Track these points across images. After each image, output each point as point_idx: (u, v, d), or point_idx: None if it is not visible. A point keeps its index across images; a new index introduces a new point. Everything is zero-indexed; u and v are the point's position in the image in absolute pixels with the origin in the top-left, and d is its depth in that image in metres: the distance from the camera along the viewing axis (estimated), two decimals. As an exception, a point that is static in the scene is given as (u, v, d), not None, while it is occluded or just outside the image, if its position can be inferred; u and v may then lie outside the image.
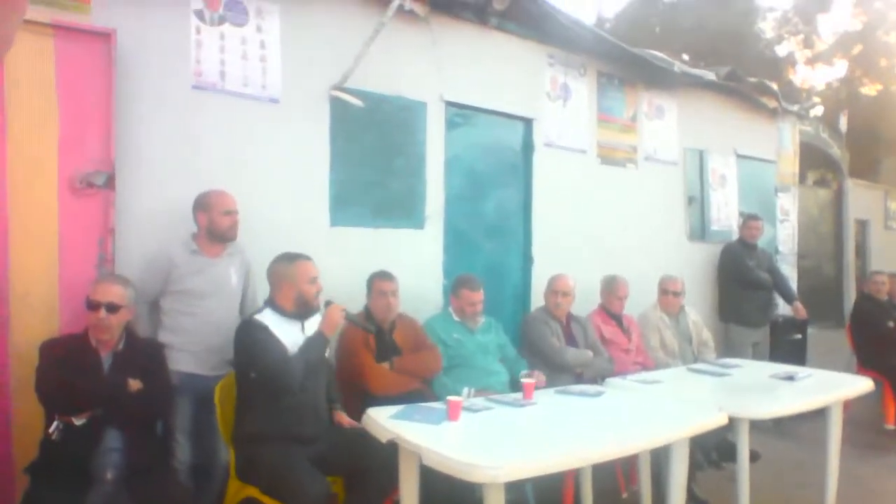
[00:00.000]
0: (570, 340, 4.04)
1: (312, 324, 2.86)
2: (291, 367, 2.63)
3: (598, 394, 3.24)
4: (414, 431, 2.51)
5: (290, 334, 2.77)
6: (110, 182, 2.94)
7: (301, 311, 2.84)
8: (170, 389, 2.70)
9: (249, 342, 2.69)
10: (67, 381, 2.41)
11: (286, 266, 2.86)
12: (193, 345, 2.94)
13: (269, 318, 2.77)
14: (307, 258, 2.90)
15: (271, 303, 2.85)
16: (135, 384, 2.51)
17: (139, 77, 3.11)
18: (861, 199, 10.41)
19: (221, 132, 3.37)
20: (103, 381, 2.50)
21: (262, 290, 3.24)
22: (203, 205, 3.03)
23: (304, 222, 3.66)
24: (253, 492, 2.64)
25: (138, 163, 3.11)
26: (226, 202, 3.05)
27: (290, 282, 2.83)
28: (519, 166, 4.75)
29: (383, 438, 2.56)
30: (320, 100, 3.70)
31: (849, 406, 4.37)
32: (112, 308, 2.54)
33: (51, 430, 2.41)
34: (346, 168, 3.82)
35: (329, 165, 3.75)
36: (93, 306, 2.53)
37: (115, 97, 2.98)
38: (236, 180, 3.35)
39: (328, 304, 2.87)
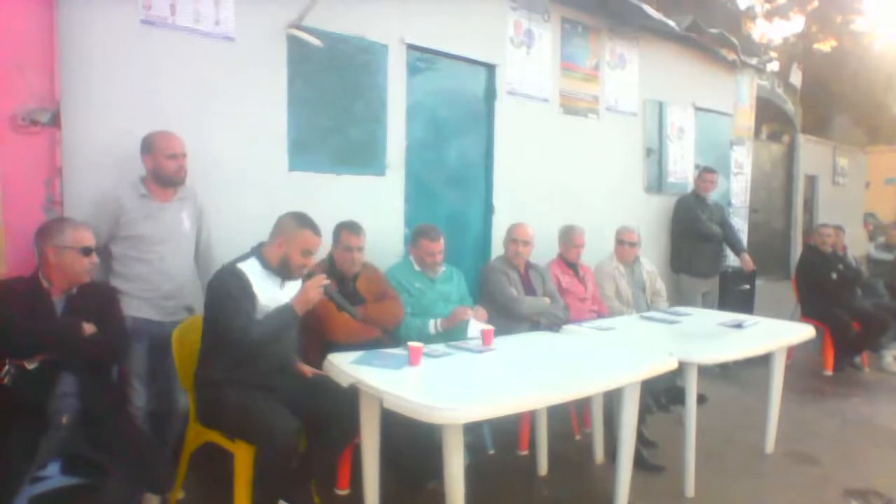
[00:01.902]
0: (529, 289, 4.10)
1: (292, 286, 2.77)
2: (249, 335, 2.54)
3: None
4: (375, 376, 2.53)
5: (268, 289, 2.69)
6: (55, 120, 2.81)
7: (282, 272, 2.74)
8: (124, 334, 2.65)
9: (221, 291, 2.60)
10: (18, 324, 2.34)
11: (293, 226, 2.72)
12: (146, 291, 2.87)
13: (251, 269, 2.67)
14: (316, 232, 2.75)
15: (258, 252, 2.74)
16: (89, 328, 2.45)
17: (83, 9, 2.94)
18: (811, 155, 10.67)
19: (173, 70, 3.23)
20: (56, 324, 2.44)
21: (216, 235, 3.19)
22: (148, 147, 2.90)
23: (262, 166, 3.57)
24: (214, 436, 2.64)
25: (85, 100, 2.97)
26: (171, 145, 2.91)
27: (286, 241, 2.70)
28: (481, 114, 4.71)
29: (344, 383, 2.58)
30: (277, 38, 3.57)
31: (791, 353, 4.60)
32: (99, 251, 2.58)
33: (2, 374, 2.34)
34: (305, 111, 3.72)
35: (287, 108, 3.65)
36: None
37: (58, 30, 2.82)
38: (189, 121, 3.24)
39: (310, 275, 2.73)
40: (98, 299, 2.59)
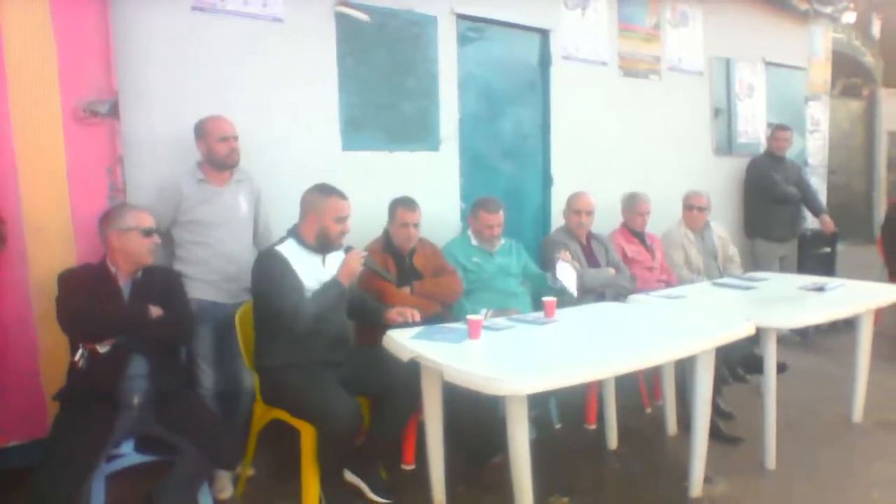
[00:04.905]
0: (591, 260, 3.97)
1: (333, 259, 2.78)
2: (302, 313, 2.55)
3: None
4: (435, 349, 2.49)
5: (309, 267, 2.70)
6: (114, 110, 2.87)
7: (322, 246, 2.75)
8: (190, 316, 2.69)
9: (265, 277, 2.63)
10: (89, 310, 2.41)
11: (318, 198, 2.74)
12: (208, 274, 2.92)
13: (290, 250, 2.69)
14: (342, 196, 2.76)
15: (295, 232, 2.77)
16: (155, 311, 2.50)
17: (136, 0, 2.98)
18: (894, 110, 9.97)
19: (224, 54, 3.25)
20: (125, 309, 2.50)
21: (274, 217, 3.21)
22: (200, 132, 2.93)
23: (316, 147, 3.58)
24: (279, 414, 2.67)
25: (142, 89, 3.03)
26: (221, 128, 2.92)
27: (317, 214, 2.72)
28: (536, 82, 4.57)
29: (405, 357, 2.55)
30: (325, 17, 3.55)
31: (879, 318, 4.31)
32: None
33: (76, 357, 2.42)
34: (356, 89, 3.69)
35: (338, 87, 3.63)
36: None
37: (113, 22, 2.87)
38: (242, 104, 3.26)
39: (348, 249, 2.75)
40: (162, 283, 2.64)
